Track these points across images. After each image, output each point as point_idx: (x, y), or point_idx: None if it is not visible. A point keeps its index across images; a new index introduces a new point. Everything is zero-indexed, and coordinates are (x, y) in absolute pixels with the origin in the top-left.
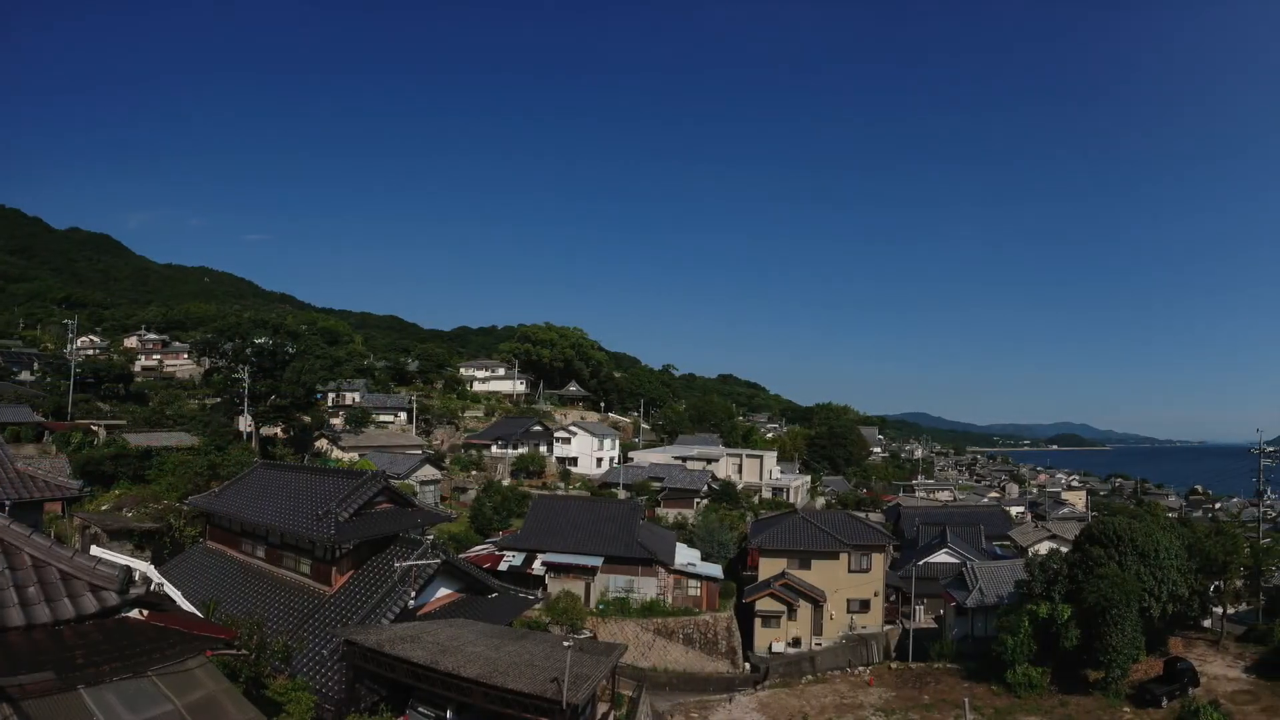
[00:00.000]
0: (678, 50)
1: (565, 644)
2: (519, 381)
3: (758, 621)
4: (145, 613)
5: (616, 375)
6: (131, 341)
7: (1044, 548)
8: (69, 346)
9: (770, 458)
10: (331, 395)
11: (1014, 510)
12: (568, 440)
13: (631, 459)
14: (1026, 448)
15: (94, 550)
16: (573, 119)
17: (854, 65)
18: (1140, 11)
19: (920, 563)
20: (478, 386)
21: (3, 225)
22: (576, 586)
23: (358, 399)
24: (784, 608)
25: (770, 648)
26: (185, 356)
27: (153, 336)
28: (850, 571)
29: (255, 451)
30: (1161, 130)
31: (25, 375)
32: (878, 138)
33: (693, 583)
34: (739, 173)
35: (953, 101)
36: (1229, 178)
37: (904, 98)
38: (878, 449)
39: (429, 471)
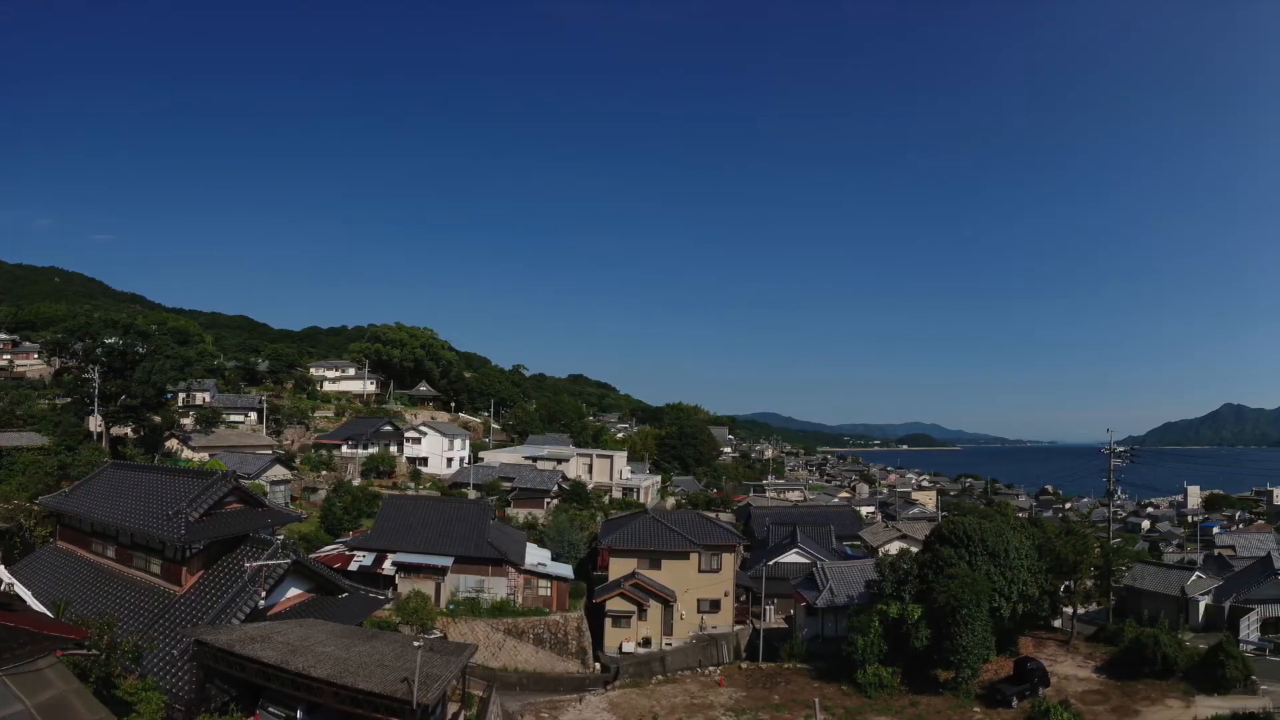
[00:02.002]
0: (512, 49)
1: (415, 644)
2: (369, 381)
3: (608, 621)
4: None
5: (467, 375)
6: None
7: (894, 548)
8: None
9: (621, 458)
10: (182, 395)
11: (864, 510)
12: (418, 440)
13: (482, 459)
14: (877, 448)
15: None
16: (417, 118)
17: (682, 65)
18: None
19: (771, 563)
20: (328, 386)
21: None
22: (427, 586)
23: (208, 399)
24: (634, 608)
25: (621, 648)
26: (35, 356)
27: (2, 336)
28: (701, 571)
29: (106, 451)
30: (1004, 131)
31: None
32: (723, 136)
33: (543, 583)
34: (578, 169)
35: (800, 101)
36: (1073, 179)
37: (742, 97)
38: (728, 449)
39: (279, 471)
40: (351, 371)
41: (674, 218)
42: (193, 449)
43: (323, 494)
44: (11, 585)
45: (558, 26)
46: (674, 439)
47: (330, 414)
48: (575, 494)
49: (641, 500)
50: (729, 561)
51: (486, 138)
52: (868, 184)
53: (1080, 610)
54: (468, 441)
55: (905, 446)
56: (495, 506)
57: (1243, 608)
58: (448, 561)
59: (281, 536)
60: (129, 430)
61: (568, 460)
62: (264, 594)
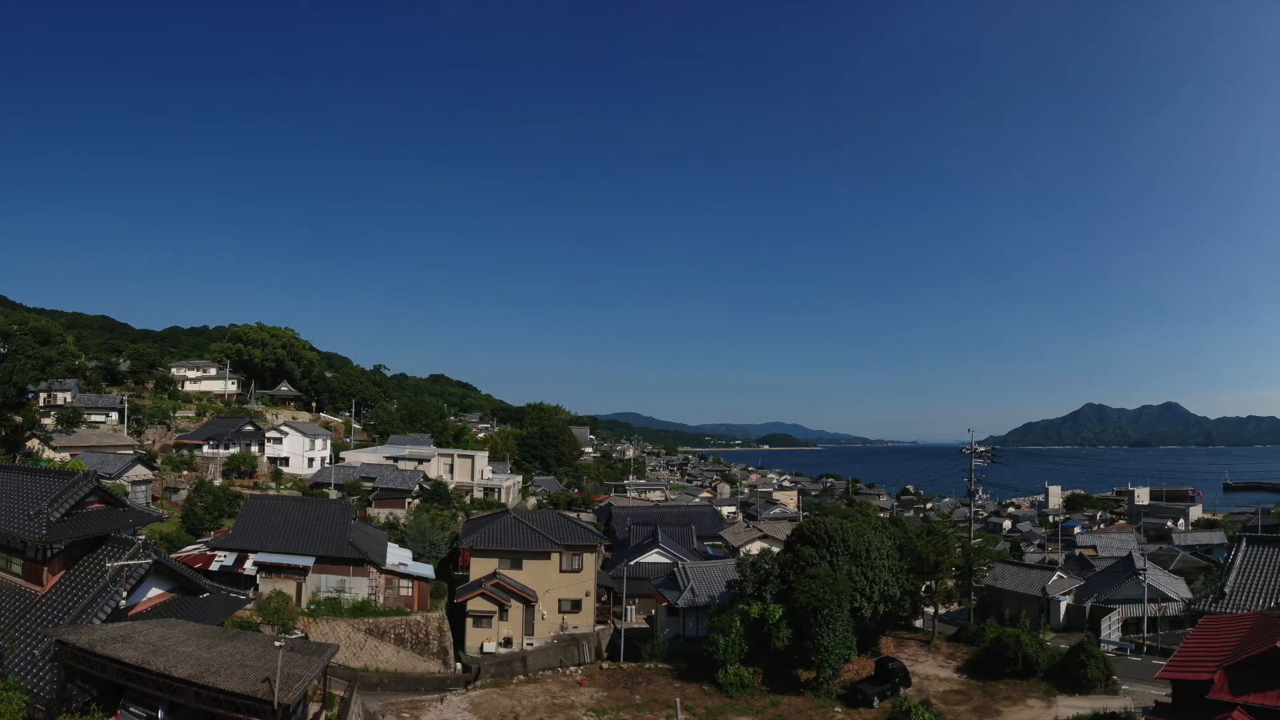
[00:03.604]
0: (358, 49)
1: (277, 644)
2: (231, 382)
3: (469, 621)
4: None
5: (328, 375)
6: None
7: (756, 548)
8: None
9: (482, 458)
10: (43, 395)
11: (726, 510)
12: (279, 440)
13: (343, 459)
14: (738, 448)
15: None
16: (276, 117)
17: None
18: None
19: (632, 562)
20: (190, 387)
21: None
22: (288, 586)
23: (69, 399)
24: (496, 608)
25: (482, 648)
26: None
27: None
28: (562, 571)
29: None
30: (859, 132)
31: None
32: (584, 137)
33: (404, 583)
34: (445, 169)
35: (659, 102)
36: (924, 182)
37: (608, 98)
38: (589, 449)
39: (141, 472)
40: (213, 371)
41: (524, 216)
42: (54, 449)
43: (184, 494)
44: None
45: (396, 26)
46: (535, 439)
47: (192, 414)
48: (436, 494)
49: (503, 500)
50: (590, 561)
51: (336, 138)
52: (718, 182)
53: (942, 610)
54: (329, 441)
55: (766, 446)
56: (356, 506)
57: (1104, 607)
58: (309, 561)
59: (143, 536)
60: None
61: (429, 460)
62: (125, 594)
